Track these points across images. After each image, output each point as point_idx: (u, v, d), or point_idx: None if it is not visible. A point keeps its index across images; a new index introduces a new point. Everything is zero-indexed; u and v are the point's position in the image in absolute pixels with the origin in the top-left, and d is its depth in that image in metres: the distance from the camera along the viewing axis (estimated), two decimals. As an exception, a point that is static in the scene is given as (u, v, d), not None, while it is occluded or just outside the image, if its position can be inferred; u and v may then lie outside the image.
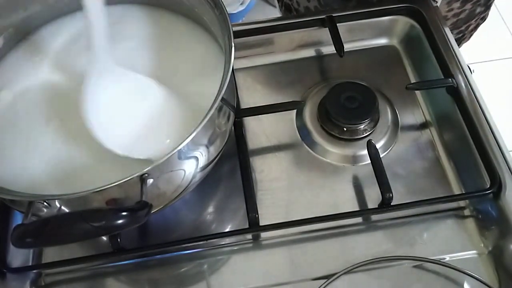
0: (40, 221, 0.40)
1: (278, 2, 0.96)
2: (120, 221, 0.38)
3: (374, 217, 0.57)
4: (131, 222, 0.39)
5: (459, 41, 0.85)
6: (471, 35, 0.86)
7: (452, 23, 0.78)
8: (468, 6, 0.75)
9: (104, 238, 0.56)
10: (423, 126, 0.64)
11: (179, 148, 0.41)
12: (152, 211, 0.44)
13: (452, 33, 0.79)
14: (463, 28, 0.81)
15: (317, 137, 0.61)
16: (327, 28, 0.67)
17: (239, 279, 0.54)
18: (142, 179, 0.41)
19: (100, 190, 0.40)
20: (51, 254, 0.57)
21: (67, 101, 0.53)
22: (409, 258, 0.53)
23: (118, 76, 0.49)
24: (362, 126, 0.60)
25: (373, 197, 0.57)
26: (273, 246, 0.56)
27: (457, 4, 0.74)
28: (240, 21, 1.45)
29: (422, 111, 0.65)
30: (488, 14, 0.83)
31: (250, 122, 0.64)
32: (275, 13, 1.69)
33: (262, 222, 0.54)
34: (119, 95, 0.50)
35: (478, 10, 0.78)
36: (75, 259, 0.54)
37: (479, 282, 0.51)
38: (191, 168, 0.46)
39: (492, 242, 0.54)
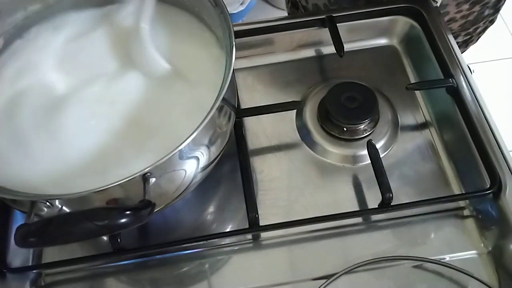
0: (43, 220, 0.40)
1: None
2: (123, 220, 0.38)
3: (374, 217, 0.57)
4: (135, 221, 0.39)
5: (467, 43, 0.85)
6: (478, 38, 0.85)
7: (460, 25, 0.78)
8: (477, 8, 0.75)
9: (104, 238, 0.56)
10: (423, 126, 0.64)
11: (180, 147, 0.41)
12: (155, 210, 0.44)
13: (460, 35, 0.79)
14: (471, 30, 0.80)
15: (317, 137, 0.61)
16: (327, 28, 0.67)
17: (239, 279, 0.54)
18: (145, 178, 0.41)
19: (103, 190, 0.40)
20: (51, 254, 0.57)
21: (67, 100, 0.53)
22: (409, 258, 0.53)
23: None
24: (362, 126, 0.60)
25: (373, 197, 0.57)
26: (273, 246, 0.56)
27: (466, 6, 0.74)
28: (240, 21, 1.45)
29: (422, 111, 0.65)
30: (496, 17, 0.83)
31: (250, 122, 0.64)
32: (275, 13, 1.69)
33: (262, 222, 0.54)
34: None
35: (487, 12, 0.77)
36: (75, 259, 0.54)
37: (479, 282, 0.51)
38: (192, 168, 0.46)
39: (492, 242, 0.54)
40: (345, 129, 0.60)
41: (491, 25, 0.84)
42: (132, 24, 0.55)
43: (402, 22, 0.70)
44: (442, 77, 0.63)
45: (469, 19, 0.77)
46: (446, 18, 0.75)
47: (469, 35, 0.83)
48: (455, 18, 0.76)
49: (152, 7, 0.55)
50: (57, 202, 0.42)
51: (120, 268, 0.56)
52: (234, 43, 0.47)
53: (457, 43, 0.82)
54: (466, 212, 0.57)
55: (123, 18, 0.57)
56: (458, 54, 0.64)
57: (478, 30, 0.82)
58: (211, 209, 0.59)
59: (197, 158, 0.46)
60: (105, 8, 0.59)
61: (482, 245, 0.55)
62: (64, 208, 0.43)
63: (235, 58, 0.46)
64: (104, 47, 0.56)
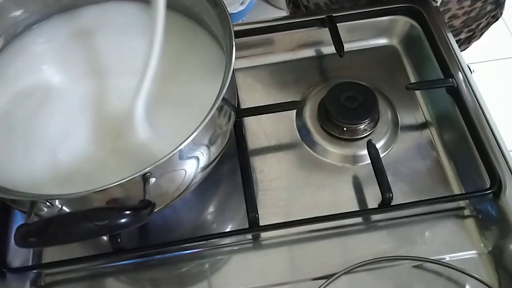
0: (43, 220, 0.40)
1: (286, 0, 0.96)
2: (123, 220, 0.38)
3: (374, 217, 0.57)
4: (135, 221, 0.39)
5: (470, 40, 0.85)
6: (482, 34, 0.85)
7: (462, 21, 0.77)
8: (479, 4, 0.75)
9: (104, 238, 0.56)
10: (423, 126, 0.64)
11: (180, 147, 0.41)
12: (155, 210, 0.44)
13: (462, 31, 0.79)
14: (473, 26, 0.80)
15: (317, 137, 0.61)
16: (327, 28, 0.67)
17: (239, 279, 0.54)
18: (145, 178, 0.41)
19: (103, 190, 0.40)
20: (51, 254, 0.57)
21: (67, 100, 0.53)
22: (409, 258, 0.53)
23: None
24: (362, 126, 0.60)
25: (373, 197, 0.57)
26: (273, 246, 0.56)
27: (468, 2, 0.74)
28: (240, 21, 1.45)
29: (422, 111, 0.65)
30: (500, 13, 0.83)
31: (250, 122, 0.64)
32: (275, 13, 1.69)
33: (262, 222, 0.54)
34: None
35: (489, 8, 0.77)
36: (75, 259, 0.54)
37: (479, 282, 0.51)
38: (192, 168, 0.46)
39: (492, 242, 0.54)
40: (345, 129, 0.60)
41: (494, 20, 0.83)
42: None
43: (402, 22, 0.70)
44: (442, 77, 0.63)
45: (471, 16, 0.77)
46: (448, 15, 0.75)
47: (472, 32, 0.82)
48: (457, 15, 0.76)
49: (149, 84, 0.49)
50: (57, 202, 0.42)
51: (120, 268, 0.56)
52: (234, 43, 0.47)
53: (460, 40, 0.82)
54: (466, 212, 0.57)
55: None
56: (458, 54, 0.64)
57: (481, 26, 0.82)
58: (211, 209, 0.59)
59: (197, 158, 0.46)
60: (103, 6, 0.59)
61: (482, 245, 0.55)
62: (64, 208, 0.43)
63: (235, 58, 0.46)
64: (104, 47, 0.57)
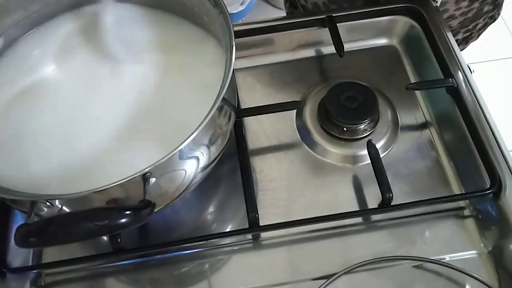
0: (43, 220, 0.40)
1: None
2: (123, 220, 0.38)
3: (374, 217, 0.57)
4: (135, 221, 0.39)
5: (467, 40, 0.85)
6: (479, 34, 0.85)
7: (459, 22, 0.78)
8: (476, 4, 0.75)
9: (104, 238, 0.56)
10: (423, 126, 0.64)
11: (180, 147, 0.41)
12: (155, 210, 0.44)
13: (459, 32, 0.79)
14: (470, 27, 0.80)
15: (317, 137, 0.61)
16: (327, 28, 0.67)
17: (239, 279, 0.54)
18: (145, 178, 0.41)
19: (103, 190, 0.40)
20: (51, 254, 0.57)
21: (67, 99, 0.53)
22: (409, 258, 0.53)
23: None
24: (362, 126, 0.60)
25: (373, 197, 0.57)
26: (273, 246, 0.56)
27: (465, 3, 0.74)
28: (240, 21, 1.45)
29: (422, 111, 0.65)
30: (498, 14, 0.83)
31: (250, 122, 0.64)
32: (275, 13, 1.69)
33: (262, 222, 0.54)
34: None
35: (486, 8, 0.77)
36: (75, 259, 0.54)
37: (479, 282, 0.51)
38: (192, 168, 0.46)
39: (492, 242, 0.54)
40: (345, 129, 0.60)
41: (492, 21, 0.84)
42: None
43: (402, 22, 0.70)
44: (442, 77, 0.63)
45: (468, 16, 0.77)
46: (445, 16, 0.75)
47: (469, 32, 0.82)
48: (454, 16, 0.76)
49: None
50: (57, 202, 0.42)
51: (120, 268, 0.56)
52: (234, 43, 0.47)
53: (457, 40, 0.82)
54: (466, 212, 0.57)
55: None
56: (458, 54, 0.64)
57: (478, 27, 0.82)
58: (211, 209, 0.59)
59: (197, 158, 0.46)
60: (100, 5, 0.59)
61: (482, 245, 0.55)
62: (64, 208, 0.43)
63: (235, 58, 0.46)
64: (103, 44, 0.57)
